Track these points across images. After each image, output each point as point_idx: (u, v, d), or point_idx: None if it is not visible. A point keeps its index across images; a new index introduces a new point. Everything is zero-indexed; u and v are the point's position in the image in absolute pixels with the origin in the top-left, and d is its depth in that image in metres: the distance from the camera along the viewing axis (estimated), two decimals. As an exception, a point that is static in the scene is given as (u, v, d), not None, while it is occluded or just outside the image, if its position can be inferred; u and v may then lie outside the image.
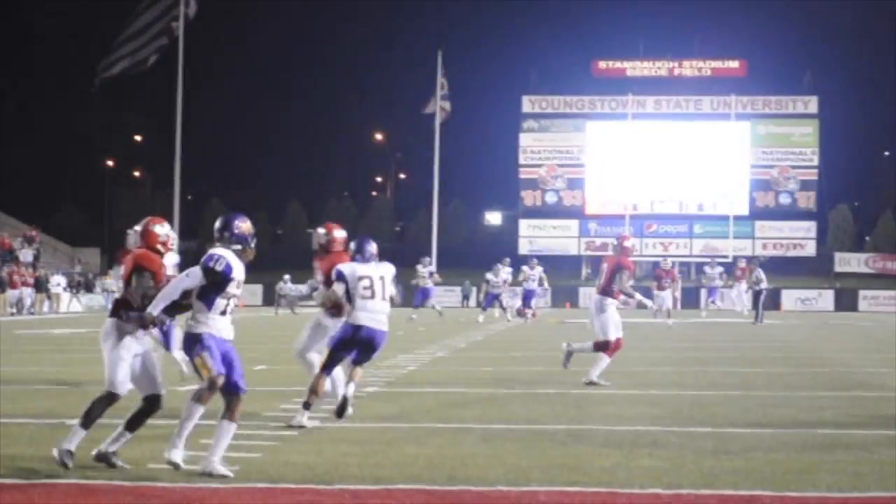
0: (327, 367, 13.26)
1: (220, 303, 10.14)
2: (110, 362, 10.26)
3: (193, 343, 10.09)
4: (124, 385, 10.27)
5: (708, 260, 53.63)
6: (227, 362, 10.10)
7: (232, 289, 10.17)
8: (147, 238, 10.75)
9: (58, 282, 62.02)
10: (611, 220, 80.00)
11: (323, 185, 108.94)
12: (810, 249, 79.88)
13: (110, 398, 10.26)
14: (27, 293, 56.65)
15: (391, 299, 13.44)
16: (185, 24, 61.15)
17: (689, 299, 53.91)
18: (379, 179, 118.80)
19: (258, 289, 69.75)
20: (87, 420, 10.23)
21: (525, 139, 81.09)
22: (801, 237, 79.33)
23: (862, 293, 69.55)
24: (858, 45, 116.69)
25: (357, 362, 13.28)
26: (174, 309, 10.28)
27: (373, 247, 13.57)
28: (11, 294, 55.17)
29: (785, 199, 79.49)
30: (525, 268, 44.63)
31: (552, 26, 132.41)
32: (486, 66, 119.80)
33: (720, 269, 51.68)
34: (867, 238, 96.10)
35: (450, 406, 15.25)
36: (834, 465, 10.74)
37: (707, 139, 79.32)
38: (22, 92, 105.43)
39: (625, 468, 10.50)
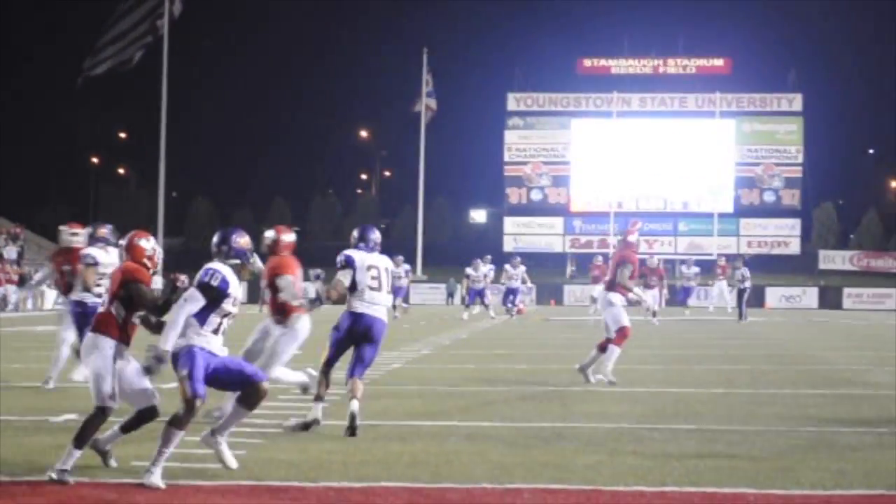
0: (330, 361, 12.88)
1: (213, 320, 9.85)
2: (96, 377, 9.97)
3: (180, 357, 9.75)
4: (114, 399, 9.96)
5: (685, 258, 53.61)
6: (222, 367, 9.84)
7: (228, 305, 9.94)
8: (133, 253, 10.44)
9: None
10: (596, 218, 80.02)
11: (308, 183, 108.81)
12: (795, 247, 79.93)
13: (102, 414, 9.96)
14: (11, 290, 56.50)
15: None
16: (170, 22, 61.12)
17: (676, 297, 53.91)
18: (364, 177, 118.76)
19: (243, 286, 69.50)
20: (81, 440, 9.84)
21: (510, 137, 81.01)
22: (785, 235, 79.37)
23: (846, 291, 69.61)
24: (843, 44, 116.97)
25: (355, 366, 12.81)
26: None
27: (377, 235, 13.09)
28: (-5, 291, 55.02)
29: (769, 197, 79.51)
30: (507, 266, 44.57)
31: (537, 24, 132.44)
32: (471, 63, 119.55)
33: (696, 269, 51.68)
34: (851, 236, 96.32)
35: (434, 404, 15.25)
36: (818, 462, 10.76)
37: (692, 137, 79.30)
38: (6, 90, 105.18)
39: (609, 466, 10.51)
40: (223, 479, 9.64)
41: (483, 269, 43.13)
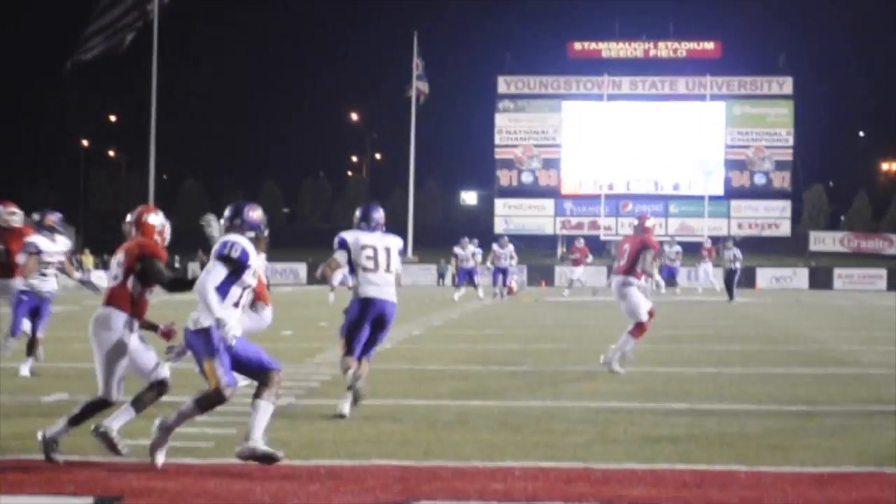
0: (350, 351, 12.48)
1: (234, 292, 9.48)
2: (107, 362, 9.71)
3: (200, 341, 9.34)
4: (120, 393, 9.74)
5: (669, 239, 53.53)
6: (241, 352, 9.43)
7: (248, 277, 9.58)
8: (143, 229, 10.22)
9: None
10: (586, 200, 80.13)
11: (298, 165, 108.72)
12: (785, 229, 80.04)
13: (103, 405, 9.75)
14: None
15: (397, 278, 12.82)
16: (160, 6, 60.96)
17: (662, 275, 53.81)
18: (355, 159, 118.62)
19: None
20: (76, 420, 9.67)
21: (501, 119, 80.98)
22: (776, 217, 79.46)
23: (837, 272, 69.69)
24: (833, 27, 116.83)
25: (366, 347, 12.58)
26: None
27: (380, 214, 12.81)
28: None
29: (760, 180, 79.59)
30: (495, 246, 44.44)
31: (528, 7, 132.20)
32: (462, 46, 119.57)
33: (678, 247, 51.61)
34: (842, 217, 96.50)
35: (425, 383, 15.26)
36: (808, 441, 10.78)
37: (682, 120, 79.32)
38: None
39: (599, 445, 10.51)
40: (213, 458, 9.64)
41: (471, 248, 43.02)
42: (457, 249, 43.06)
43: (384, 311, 12.48)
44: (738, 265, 43.14)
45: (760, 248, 76.74)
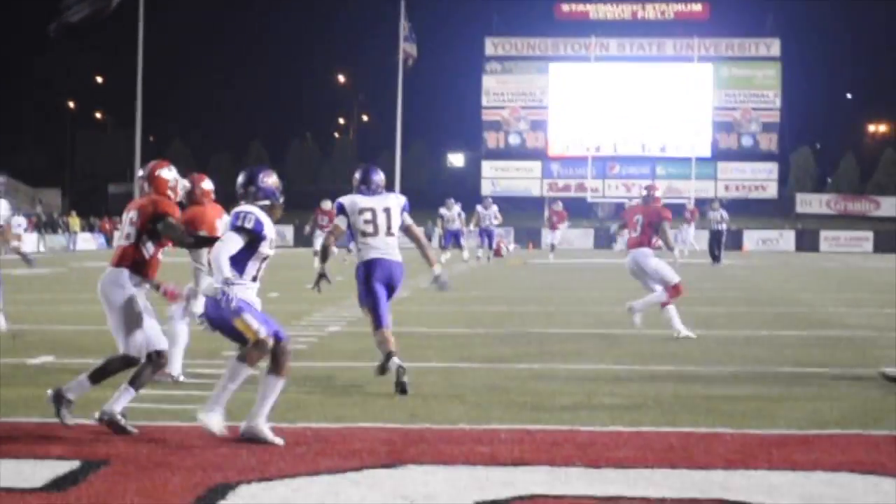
0: (379, 323, 11.95)
1: (251, 266, 9.19)
2: (127, 321, 9.40)
3: (221, 303, 8.92)
4: (143, 348, 9.42)
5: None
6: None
7: (265, 248, 9.22)
8: (156, 184, 9.92)
9: (18, 223, 61.60)
10: (573, 162, 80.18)
11: (285, 127, 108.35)
12: (772, 191, 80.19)
13: (128, 361, 9.45)
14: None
15: (420, 237, 12.41)
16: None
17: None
18: (342, 121, 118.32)
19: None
20: (98, 375, 9.41)
21: (488, 81, 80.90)
22: (763, 179, 79.59)
23: (823, 234, 69.91)
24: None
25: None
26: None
27: (380, 177, 12.24)
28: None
29: (747, 142, 79.70)
30: (479, 207, 44.25)
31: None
32: (449, 8, 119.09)
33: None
34: (829, 179, 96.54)
35: (412, 346, 15.25)
36: (793, 402, 10.82)
37: (670, 82, 79.33)
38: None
39: (586, 407, 10.54)
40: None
41: (456, 209, 42.94)
42: (442, 211, 42.92)
43: (390, 268, 12.04)
44: (724, 226, 43.16)
45: (747, 210, 76.88)
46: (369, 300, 11.98)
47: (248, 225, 9.09)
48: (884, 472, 7.84)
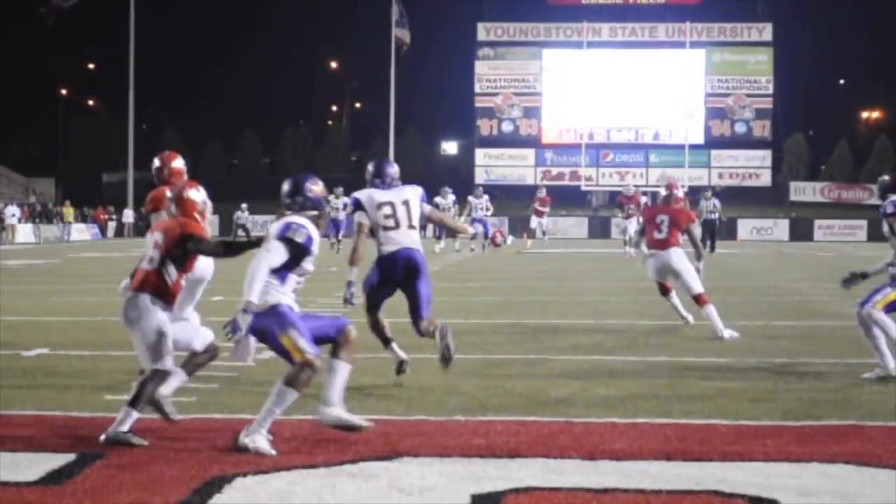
0: (371, 309, 11.99)
1: (291, 279, 8.78)
2: (156, 335, 9.00)
3: (269, 318, 8.59)
4: (171, 359, 9.12)
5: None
6: (312, 320, 8.88)
7: (308, 264, 8.82)
8: (184, 206, 9.50)
9: (12, 213, 61.64)
10: (567, 150, 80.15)
11: (278, 114, 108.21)
12: (766, 179, 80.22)
13: (160, 376, 9.05)
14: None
15: (443, 216, 11.90)
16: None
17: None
18: (335, 108, 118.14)
19: (214, 219, 69.40)
20: (137, 400, 8.91)
21: (480, 67, 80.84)
22: (756, 166, 79.61)
23: (817, 222, 69.96)
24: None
25: (416, 311, 11.89)
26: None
27: (394, 169, 12.10)
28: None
29: (740, 128, 79.70)
30: (470, 197, 44.19)
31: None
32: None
33: (645, 199, 51.46)
34: (822, 167, 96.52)
35: (407, 337, 15.23)
36: (788, 393, 10.83)
37: (662, 67, 79.29)
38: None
39: (581, 398, 10.54)
40: (196, 413, 9.63)
41: (451, 197, 42.95)
42: (438, 199, 42.88)
43: (413, 257, 11.66)
44: (716, 216, 43.15)
45: (741, 198, 76.90)
46: (372, 292, 11.91)
47: (299, 239, 8.69)
48: (880, 464, 7.85)
